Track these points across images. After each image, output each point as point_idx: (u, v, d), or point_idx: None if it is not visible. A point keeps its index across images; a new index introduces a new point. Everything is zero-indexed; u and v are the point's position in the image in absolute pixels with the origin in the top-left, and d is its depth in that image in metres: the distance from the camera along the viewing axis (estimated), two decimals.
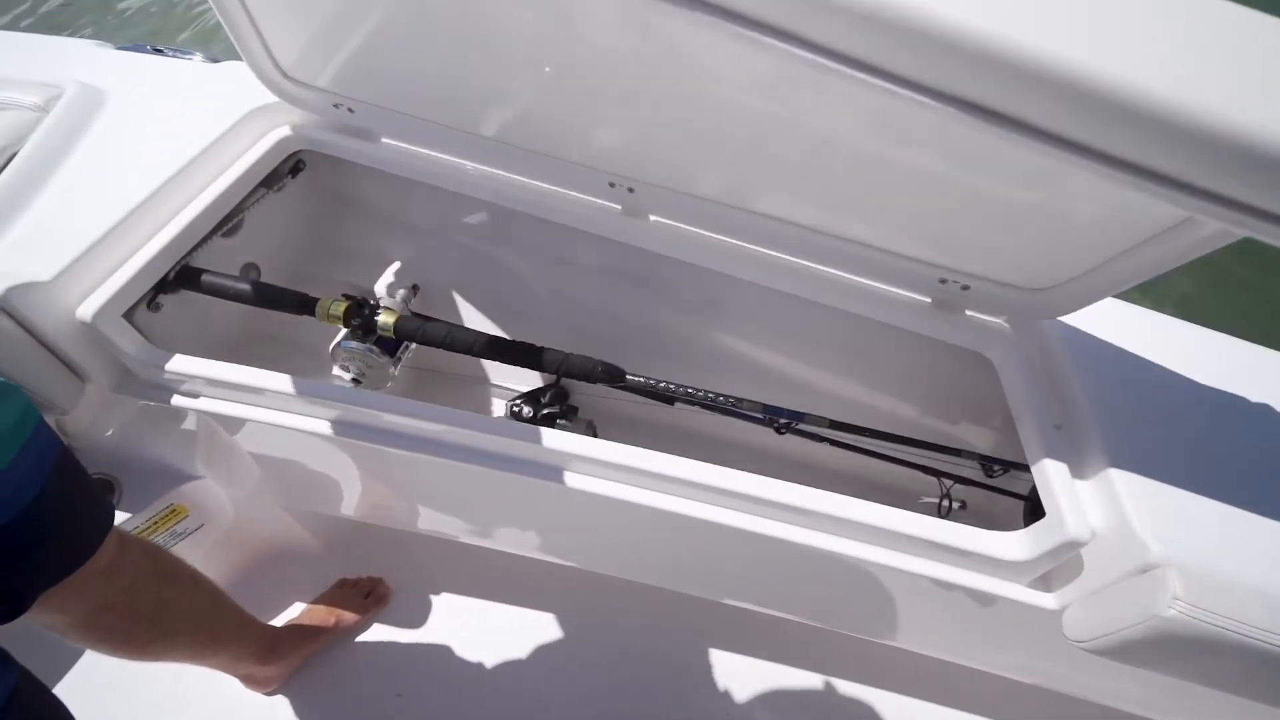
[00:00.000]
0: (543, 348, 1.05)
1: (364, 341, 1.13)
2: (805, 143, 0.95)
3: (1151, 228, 0.82)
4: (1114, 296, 1.16)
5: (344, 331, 1.13)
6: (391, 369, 1.20)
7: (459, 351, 1.07)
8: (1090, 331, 1.08)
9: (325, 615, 1.33)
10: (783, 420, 1.17)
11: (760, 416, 1.18)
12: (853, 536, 0.97)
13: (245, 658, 1.15)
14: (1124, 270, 0.89)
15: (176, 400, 1.06)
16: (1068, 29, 0.52)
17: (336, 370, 1.24)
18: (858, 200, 1.02)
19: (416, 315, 1.11)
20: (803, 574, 1.09)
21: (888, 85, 0.58)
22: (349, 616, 1.35)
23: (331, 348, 1.19)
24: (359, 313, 1.03)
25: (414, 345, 1.25)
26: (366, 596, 1.39)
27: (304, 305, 1.01)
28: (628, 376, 1.11)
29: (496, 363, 1.41)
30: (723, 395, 1.14)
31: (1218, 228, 0.72)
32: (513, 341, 1.07)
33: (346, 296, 1.06)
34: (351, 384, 1.24)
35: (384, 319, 1.03)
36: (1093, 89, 0.52)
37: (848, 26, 0.56)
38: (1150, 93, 0.51)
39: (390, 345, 1.20)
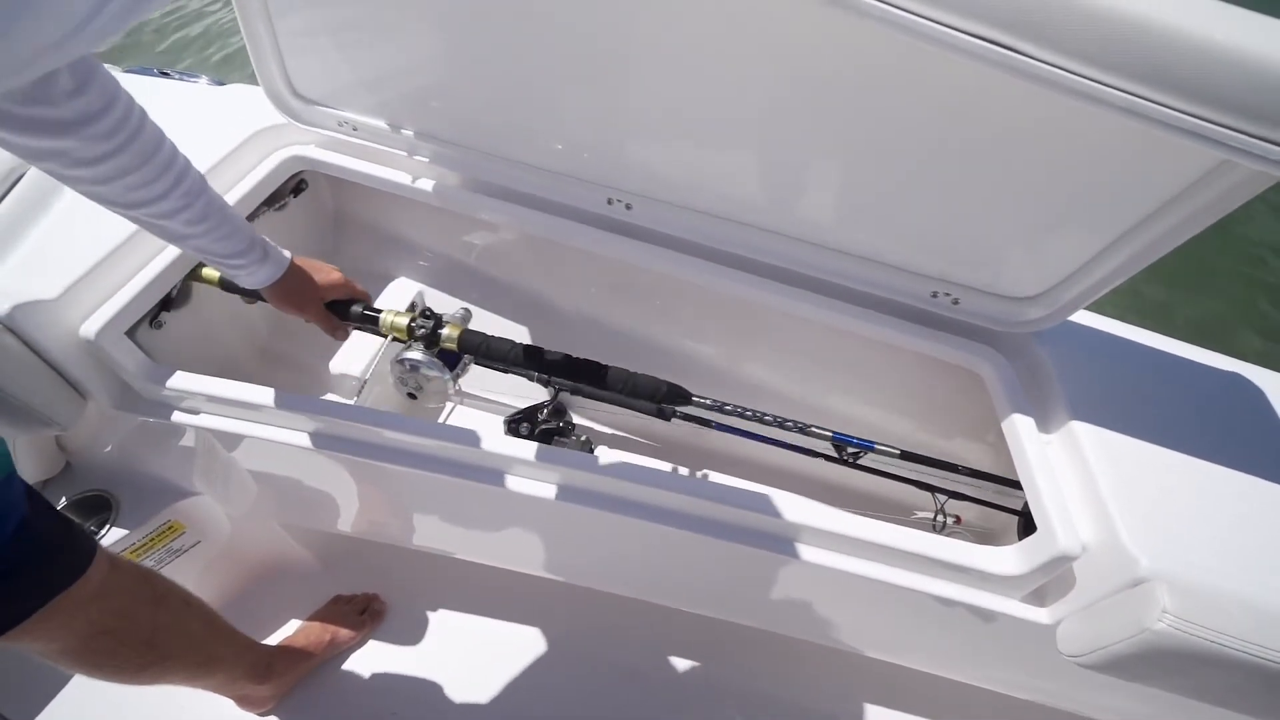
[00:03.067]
0: (607, 366, 1.05)
1: (426, 354, 1.09)
2: (802, 152, 0.98)
3: (1129, 221, 0.86)
4: (1102, 314, 1.19)
5: (402, 345, 1.10)
6: (451, 384, 1.18)
7: (521, 368, 1.06)
8: (1079, 349, 1.10)
9: (321, 633, 1.33)
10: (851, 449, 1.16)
11: (828, 450, 1.18)
12: (846, 551, 0.97)
13: (240, 678, 1.14)
14: (1107, 269, 0.92)
15: (176, 417, 1.06)
16: None
17: (392, 382, 1.20)
18: (853, 209, 1.05)
19: (477, 331, 1.07)
20: (796, 589, 1.09)
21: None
22: (344, 634, 1.34)
23: (392, 360, 1.17)
24: (423, 325, 1.02)
25: (471, 361, 1.21)
26: (362, 613, 1.39)
27: (366, 317, 1.00)
28: (693, 398, 1.11)
29: (495, 379, 1.42)
30: (789, 420, 1.14)
31: (1205, 205, 0.79)
32: (577, 359, 1.07)
33: (410, 309, 1.06)
34: (407, 398, 1.20)
35: (447, 331, 1.02)
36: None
37: None
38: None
39: (450, 360, 1.18)
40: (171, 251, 1.09)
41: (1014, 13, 0.64)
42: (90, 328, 0.97)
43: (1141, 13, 0.62)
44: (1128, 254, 0.89)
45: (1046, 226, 0.94)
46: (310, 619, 1.38)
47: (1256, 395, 1.05)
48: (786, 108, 0.92)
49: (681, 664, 1.40)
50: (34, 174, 1.10)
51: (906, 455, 1.15)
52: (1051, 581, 0.93)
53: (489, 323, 1.54)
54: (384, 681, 1.36)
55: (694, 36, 0.88)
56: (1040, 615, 0.94)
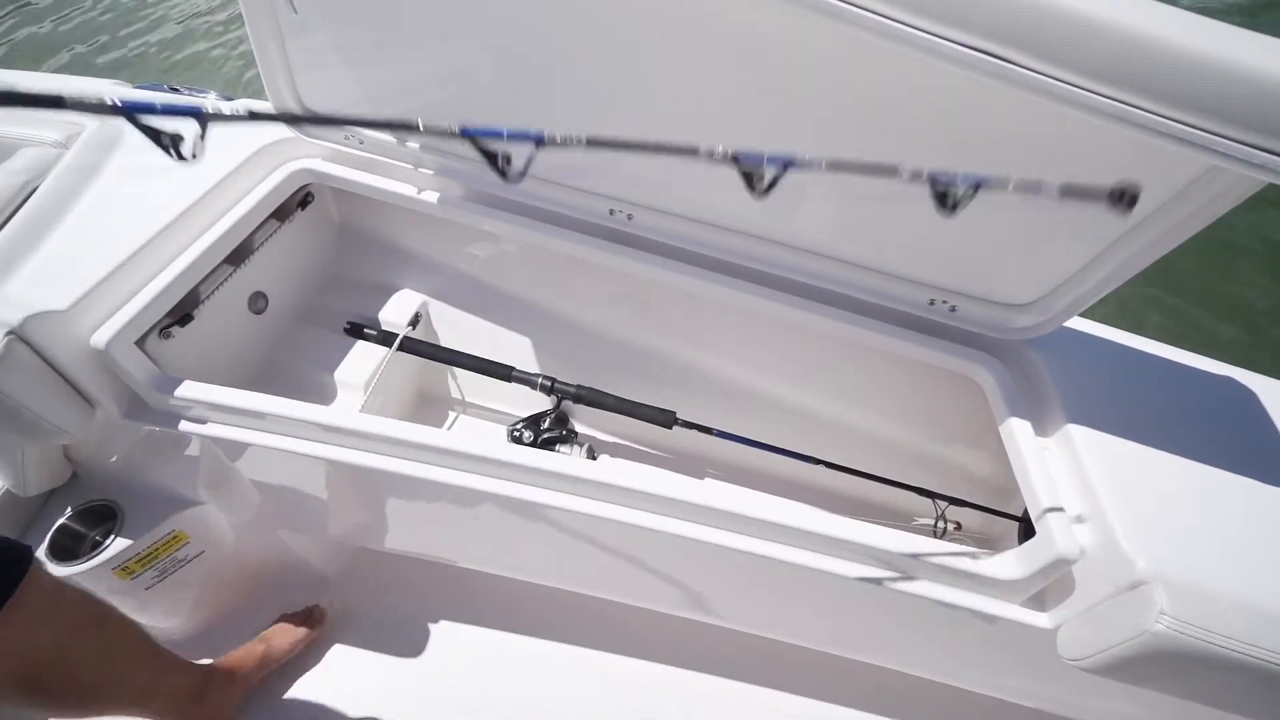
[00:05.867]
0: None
1: None
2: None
3: (1120, 228, 0.88)
4: (1096, 321, 1.20)
5: None
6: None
7: None
8: (1074, 356, 1.12)
9: (253, 646, 1.30)
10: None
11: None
12: (847, 557, 0.98)
13: (176, 706, 1.09)
14: (1100, 276, 0.94)
15: (183, 426, 1.07)
16: None
17: None
18: (851, 220, 1.06)
19: None
20: (798, 595, 1.09)
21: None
22: (280, 644, 1.32)
23: None
24: None
25: None
26: (303, 623, 1.36)
27: None
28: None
29: (498, 389, 1.44)
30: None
31: (1193, 211, 0.81)
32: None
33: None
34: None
35: None
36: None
37: None
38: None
39: None
40: (181, 263, 1.11)
41: (1007, 25, 0.66)
42: (101, 337, 0.99)
43: (1133, 25, 0.64)
44: (1119, 260, 0.91)
45: (1039, 235, 0.96)
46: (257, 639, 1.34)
47: (1248, 399, 1.06)
48: (785, 120, 0.94)
49: (679, 670, 1.40)
50: (47, 187, 1.12)
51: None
52: (1051, 586, 0.94)
53: (491, 333, 1.56)
54: (388, 687, 1.35)
55: (695, 52, 0.90)
56: (1040, 620, 0.94)
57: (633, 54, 0.94)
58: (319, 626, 1.38)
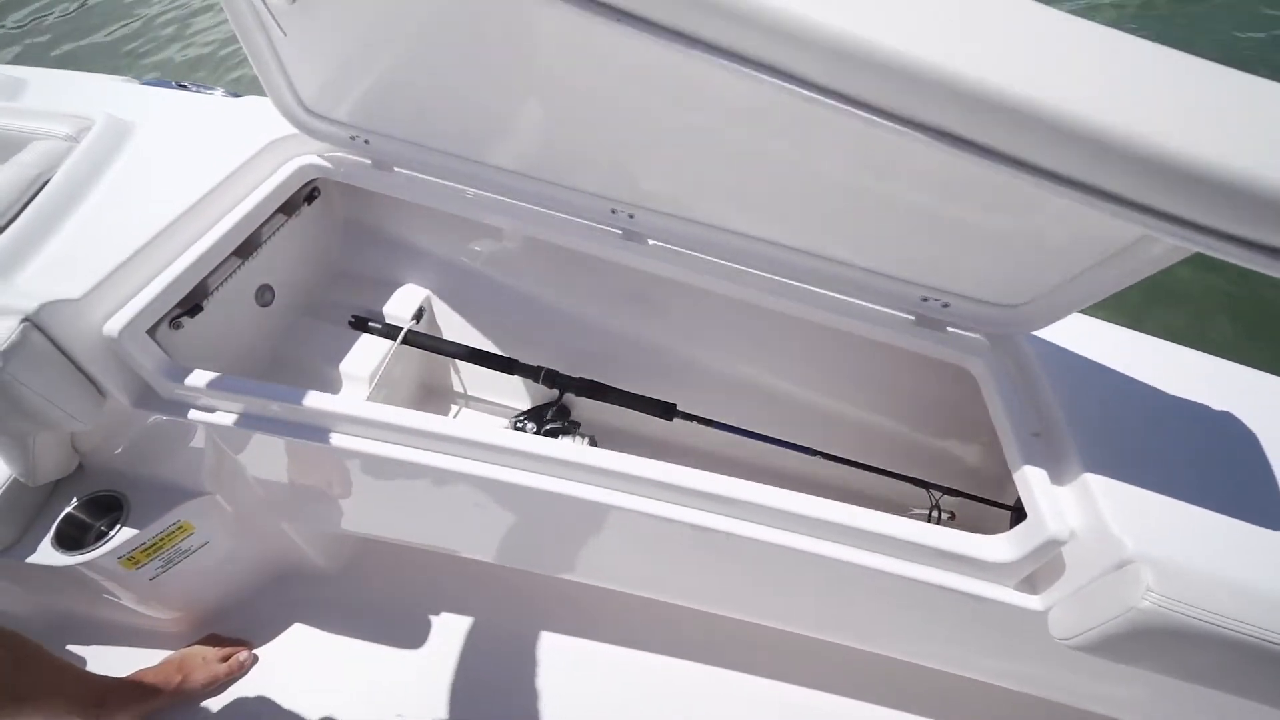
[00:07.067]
0: None
1: None
2: (795, 172, 1.03)
3: (1109, 248, 0.90)
4: (1084, 313, 1.23)
5: None
6: None
7: None
8: (1064, 345, 1.15)
9: (172, 674, 1.28)
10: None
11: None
12: (842, 541, 1.00)
13: (65, 714, 1.07)
14: (1088, 286, 0.96)
15: (192, 415, 1.09)
16: (1036, 70, 0.61)
17: None
18: (845, 225, 1.09)
19: None
20: (792, 580, 1.11)
21: (868, 116, 0.66)
22: (198, 679, 1.29)
23: None
24: None
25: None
26: (225, 660, 1.34)
27: None
28: None
29: (500, 382, 1.46)
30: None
31: (1169, 245, 0.80)
32: None
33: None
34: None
35: None
36: (1063, 124, 0.61)
37: (833, 66, 0.64)
38: (1112, 126, 0.60)
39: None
40: (190, 255, 1.12)
41: (962, 107, 0.64)
42: (113, 326, 1.00)
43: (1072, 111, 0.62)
44: (1117, 271, 0.91)
45: (1033, 243, 0.97)
46: (177, 653, 1.33)
47: (1232, 389, 1.09)
48: (782, 126, 0.96)
49: (675, 660, 1.42)
50: (59, 179, 1.14)
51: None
52: (1042, 569, 0.96)
53: (494, 327, 1.58)
54: (390, 679, 1.36)
55: (684, 121, 0.93)
56: (1032, 602, 0.96)
57: (633, 62, 0.96)
58: (238, 672, 1.35)
